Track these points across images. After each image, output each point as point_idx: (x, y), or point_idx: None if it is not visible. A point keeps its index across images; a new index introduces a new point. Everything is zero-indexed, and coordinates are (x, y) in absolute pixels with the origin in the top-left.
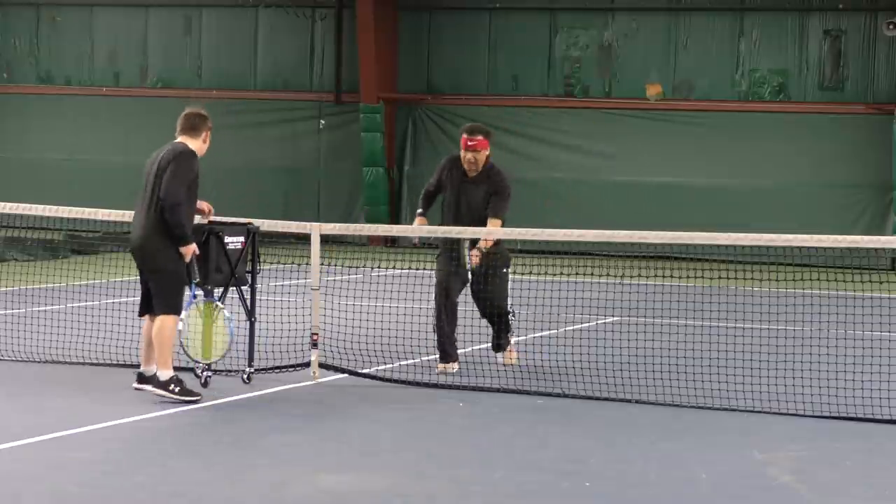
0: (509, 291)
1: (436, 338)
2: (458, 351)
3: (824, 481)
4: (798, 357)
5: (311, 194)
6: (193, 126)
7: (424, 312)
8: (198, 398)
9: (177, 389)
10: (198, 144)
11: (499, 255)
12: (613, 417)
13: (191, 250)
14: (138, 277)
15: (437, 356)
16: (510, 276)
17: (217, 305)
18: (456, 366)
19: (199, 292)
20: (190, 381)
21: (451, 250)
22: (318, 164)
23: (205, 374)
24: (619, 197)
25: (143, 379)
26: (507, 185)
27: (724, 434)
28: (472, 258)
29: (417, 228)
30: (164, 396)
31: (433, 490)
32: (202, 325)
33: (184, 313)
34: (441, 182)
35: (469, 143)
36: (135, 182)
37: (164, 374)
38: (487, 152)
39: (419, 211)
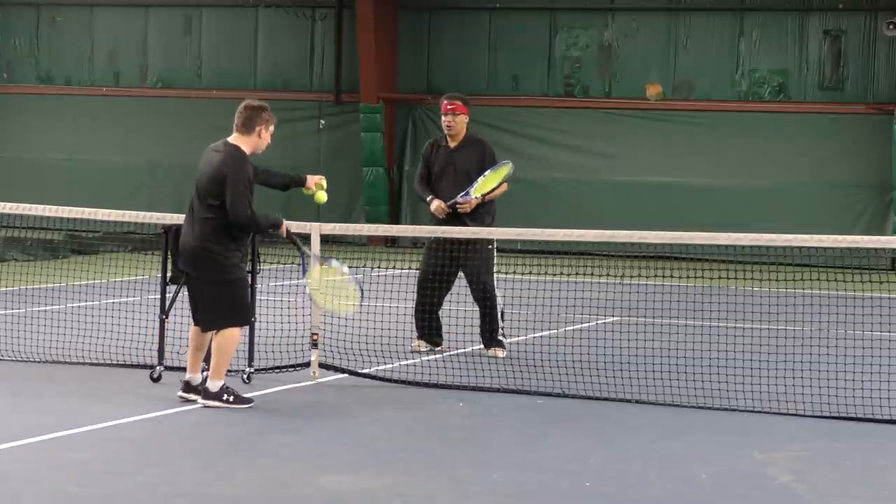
0: (495, 269)
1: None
2: (458, 351)
3: (824, 481)
4: (798, 357)
5: (312, 194)
6: (245, 122)
7: None
8: (251, 403)
9: (231, 399)
10: (252, 141)
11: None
12: (613, 417)
13: (285, 228)
14: (186, 289)
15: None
16: (495, 252)
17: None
18: (428, 346)
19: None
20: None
21: (438, 249)
22: (318, 164)
23: (205, 373)
24: (619, 197)
25: (189, 388)
26: (489, 143)
27: (724, 434)
28: (458, 203)
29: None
30: (219, 407)
31: (433, 490)
32: (329, 282)
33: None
34: (429, 163)
35: (448, 107)
36: (135, 182)
37: (215, 384)
38: (466, 118)
39: (430, 197)
